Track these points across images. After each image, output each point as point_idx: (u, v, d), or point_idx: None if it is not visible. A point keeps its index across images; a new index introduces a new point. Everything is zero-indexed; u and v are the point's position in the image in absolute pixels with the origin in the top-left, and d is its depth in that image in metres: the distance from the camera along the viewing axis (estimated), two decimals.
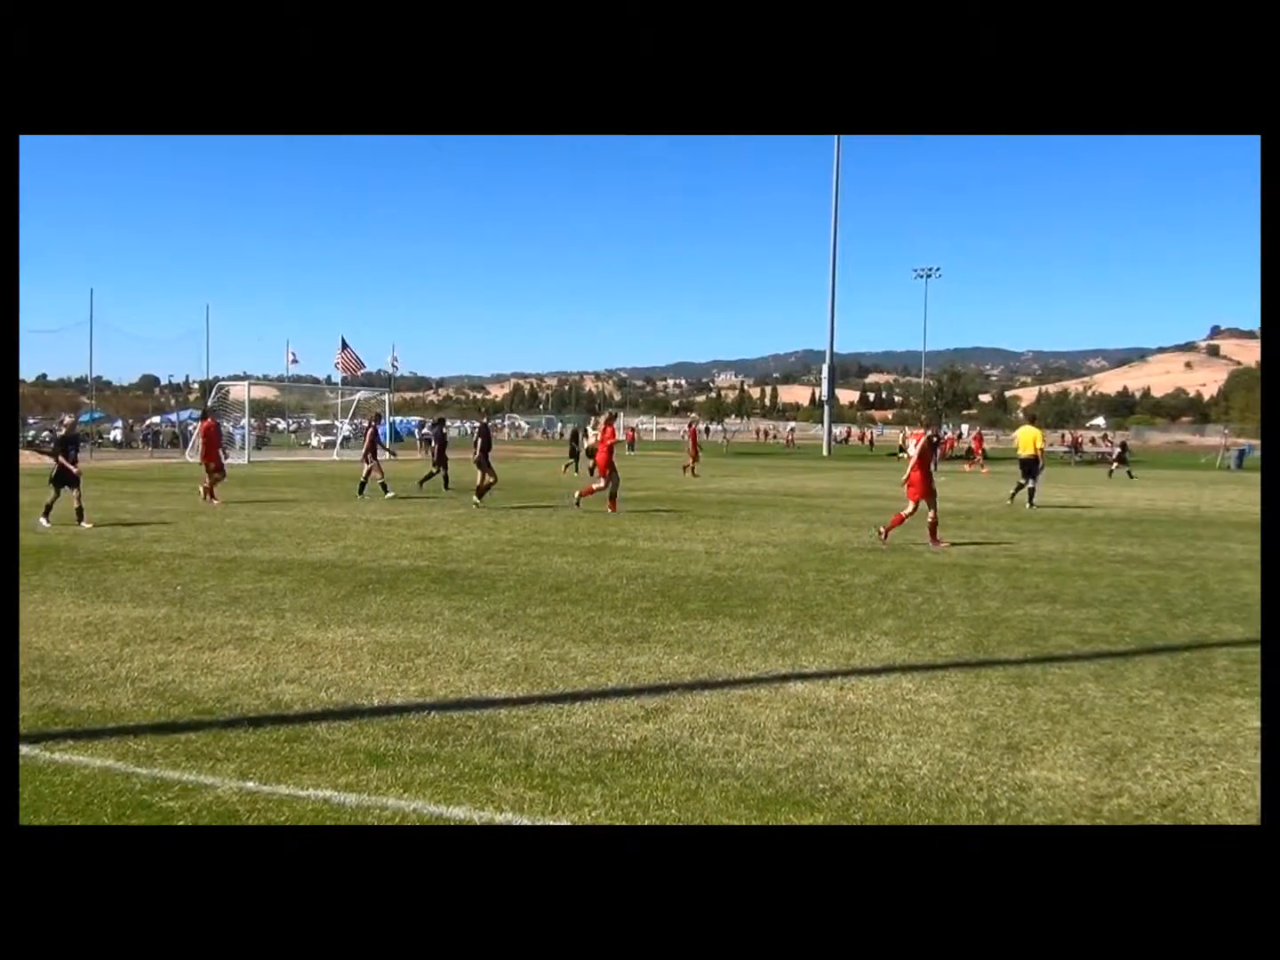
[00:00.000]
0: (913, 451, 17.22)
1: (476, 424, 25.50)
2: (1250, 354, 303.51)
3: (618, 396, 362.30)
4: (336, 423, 63.36)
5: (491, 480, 23.97)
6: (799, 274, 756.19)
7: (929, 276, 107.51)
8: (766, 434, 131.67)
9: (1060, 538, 18.58)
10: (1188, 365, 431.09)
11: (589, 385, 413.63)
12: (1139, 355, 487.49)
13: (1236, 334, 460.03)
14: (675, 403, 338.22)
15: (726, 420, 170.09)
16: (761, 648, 9.08)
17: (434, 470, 27.61)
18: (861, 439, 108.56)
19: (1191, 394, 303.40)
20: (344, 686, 7.57)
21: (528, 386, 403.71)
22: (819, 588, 12.43)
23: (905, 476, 17.08)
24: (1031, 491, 25.64)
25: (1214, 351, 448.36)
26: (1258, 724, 6.92)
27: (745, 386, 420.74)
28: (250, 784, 5.48)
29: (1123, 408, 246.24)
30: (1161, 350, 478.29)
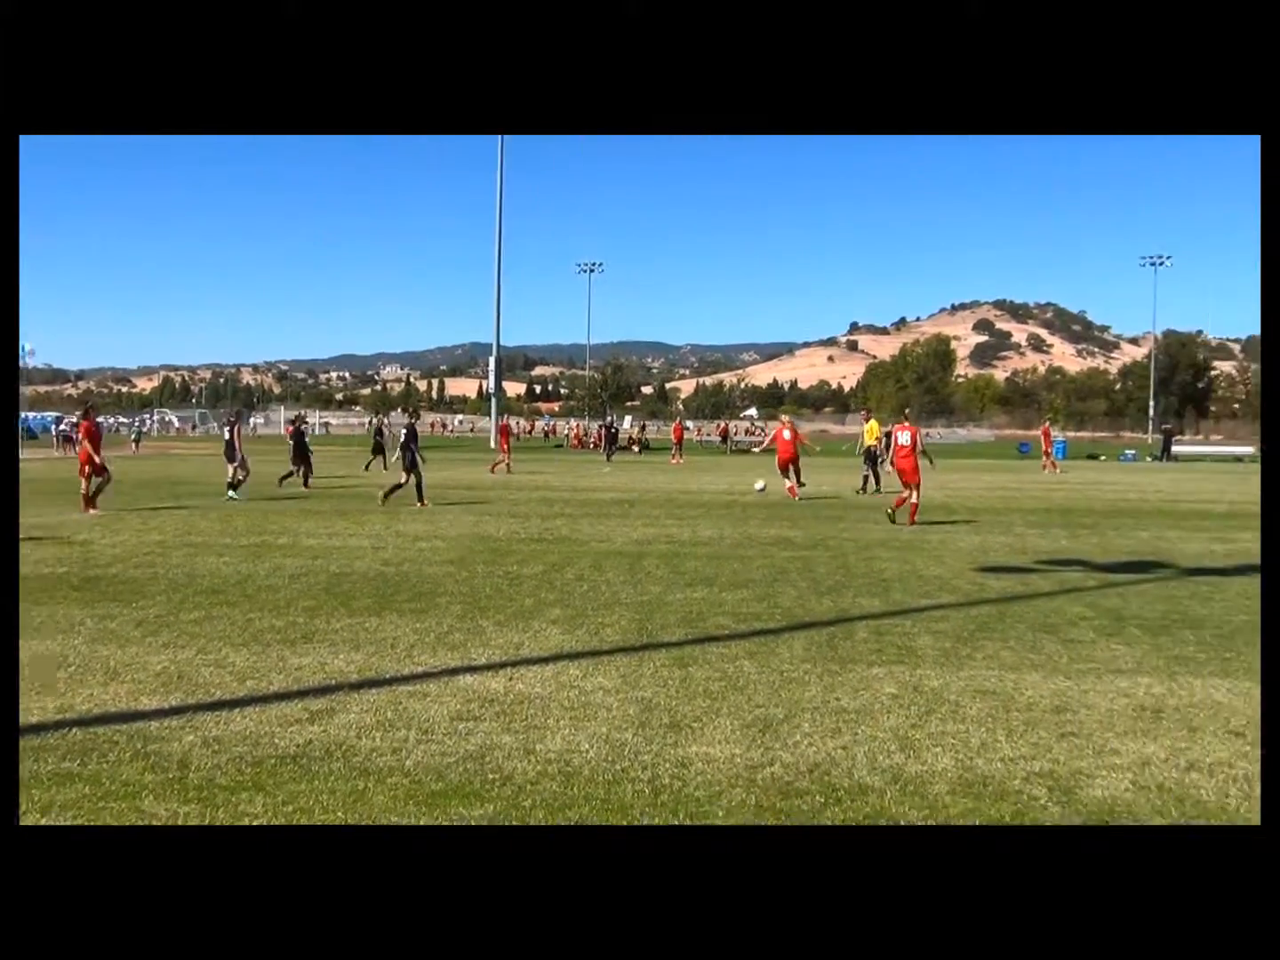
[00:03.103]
0: (905, 440, 19.55)
1: (404, 424, 24.13)
2: (884, 349, 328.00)
3: (278, 390, 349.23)
4: None
5: (402, 483, 22.73)
6: (465, 267, 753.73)
7: (592, 271, 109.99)
8: (441, 426, 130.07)
9: (718, 523, 19.47)
10: (830, 359, 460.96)
11: (246, 378, 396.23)
12: (787, 349, 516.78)
13: (873, 330, 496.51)
14: (340, 396, 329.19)
15: (392, 414, 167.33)
16: (430, 642, 9.01)
17: (292, 470, 27.31)
18: (530, 431, 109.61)
19: (834, 385, 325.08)
20: None
21: (179, 379, 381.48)
22: (488, 580, 12.46)
23: (889, 459, 20.08)
24: (878, 479, 27.62)
25: (853, 346, 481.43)
26: (893, 690, 7.53)
27: (412, 379, 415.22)
28: None
29: (773, 399, 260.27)
30: (807, 345, 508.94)
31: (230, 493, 23.68)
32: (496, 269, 69.02)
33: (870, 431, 28.59)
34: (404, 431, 23.52)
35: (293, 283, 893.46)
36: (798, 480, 25.46)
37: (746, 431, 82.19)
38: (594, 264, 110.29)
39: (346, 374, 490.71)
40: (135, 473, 32.77)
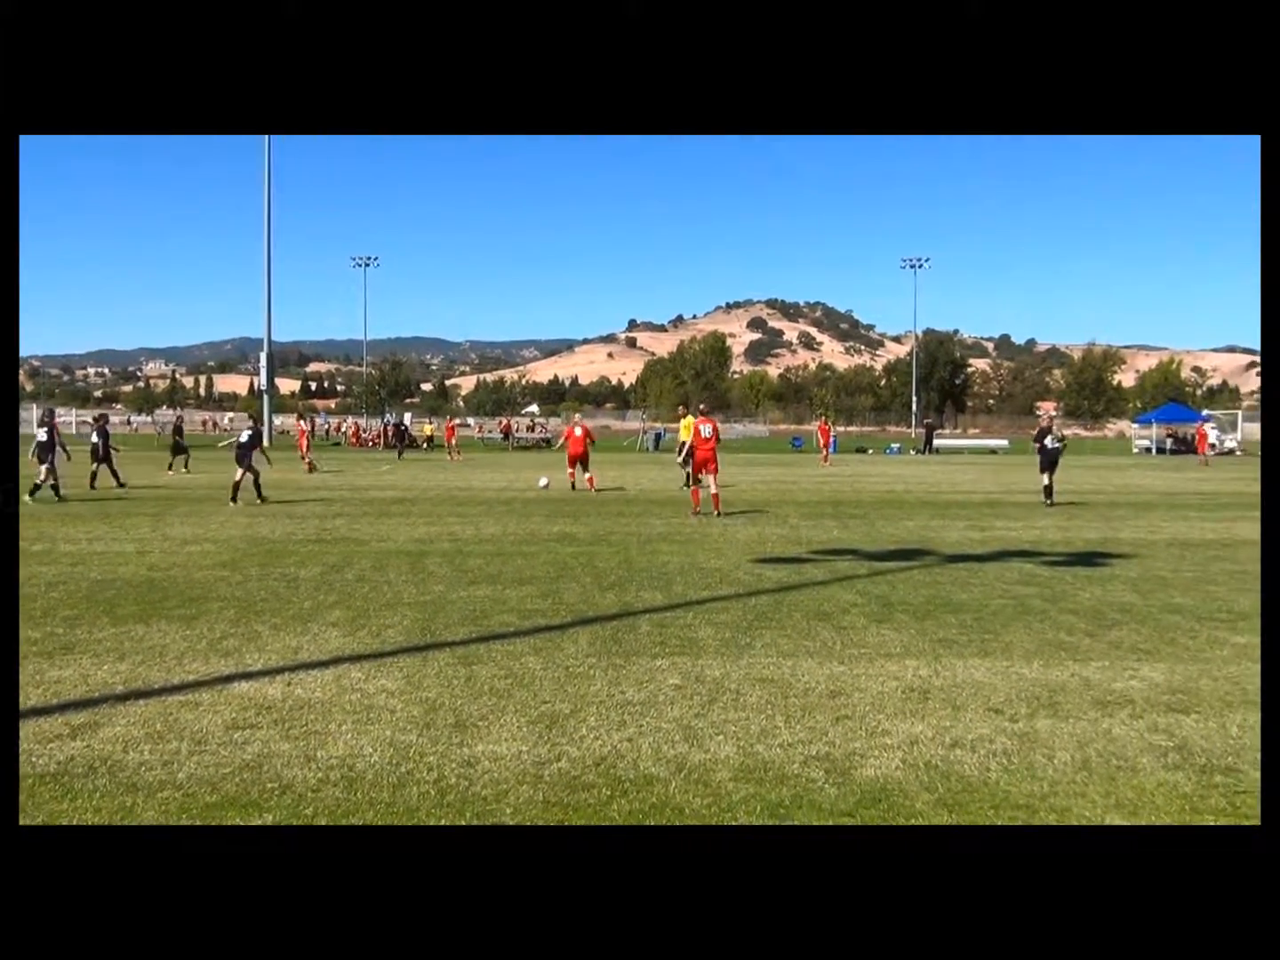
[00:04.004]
0: (707, 432, 20.52)
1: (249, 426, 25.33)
2: (662, 345, 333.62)
3: (30, 387, 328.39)
4: None
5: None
6: (233, 260, 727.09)
7: (367, 265, 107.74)
8: (213, 425, 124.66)
9: (501, 520, 19.39)
10: (610, 355, 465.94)
11: None
12: (567, 346, 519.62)
13: (651, 327, 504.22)
14: (98, 393, 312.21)
15: (157, 411, 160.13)
16: (202, 649, 8.64)
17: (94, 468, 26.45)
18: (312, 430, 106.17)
19: (614, 382, 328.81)
20: None
21: None
22: (263, 583, 12.04)
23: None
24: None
25: (632, 343, 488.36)
26: (676, 680, 7.66)
27: (178, 375, 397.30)
28: None
29: (555, 395, 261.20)
30: (587, 341, 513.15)
31: (28, 497, 22.01)
32: (266, 262, 66.74)
33: (685, 428, 29.03)
34: (247, 433, 24.47)
35: (43, 275, 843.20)
36: (584, 473, 27.03)
37: (529, 428, 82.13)
38: (369, 258, 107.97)
39: (106, 370, 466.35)
40: None
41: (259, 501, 22.76)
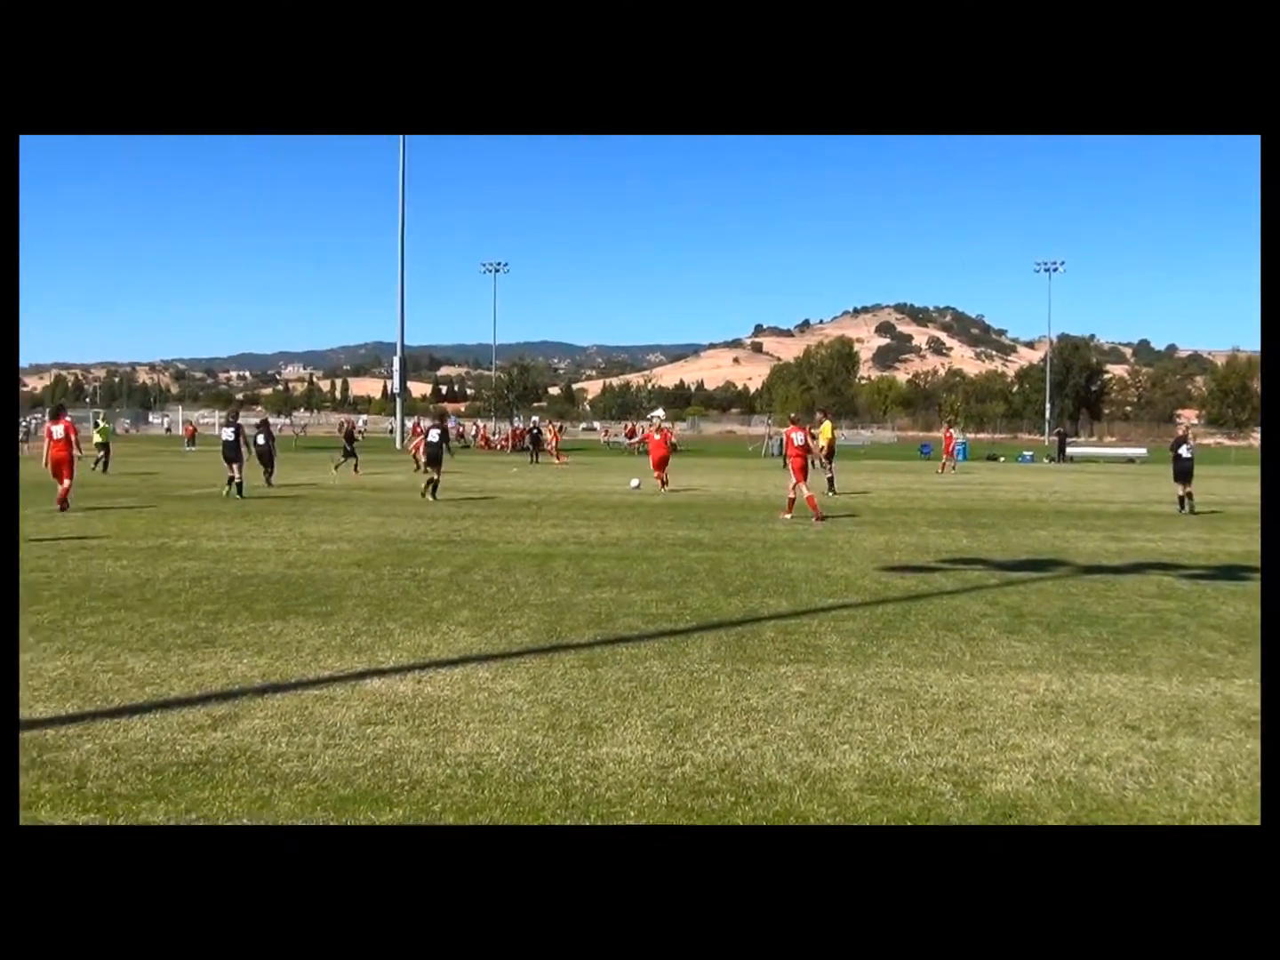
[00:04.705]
0: (799, 440, 20.77)
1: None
2: (788, 351, 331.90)
3: (175, 389, 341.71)
4: None
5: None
6: (369, 265, 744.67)
7: (497, 271, 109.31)
8: (349, 427, 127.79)
9: (626, 524, 19.49)
10: (735, 360, 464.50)
11: (142, 377, 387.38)
12: (693, 350, 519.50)
13: (777, 332, 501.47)
14: (240, 396, 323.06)
15: (295, 414, 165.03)
16: (336, 645, 8.88)
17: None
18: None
19: (739, 387, 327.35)
20: None
21: (72, 378, 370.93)
22: (395, 582, 12.32)
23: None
24: (831, 480, 28.18)
25: (758, 348, 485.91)
26: (801, 688, 7.61)
27: (314, 379, 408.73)
28: None
29: (680, 399, 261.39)
30: (713, 346, 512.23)
31: (231, 488, 24.64)
32: (400, 268, 68.24)
33: (824, 433, 29.07)
34: (436, 432, 25.90)
35: (191, 279, 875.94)
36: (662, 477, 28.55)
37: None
38: (499, 264, 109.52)
39: (247, 373, 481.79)
40: (24, 474, 31.71)
41: (431, 499, 24.26)
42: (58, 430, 21.31)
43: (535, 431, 54.51)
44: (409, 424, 61.80)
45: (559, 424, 60.38)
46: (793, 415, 23.29)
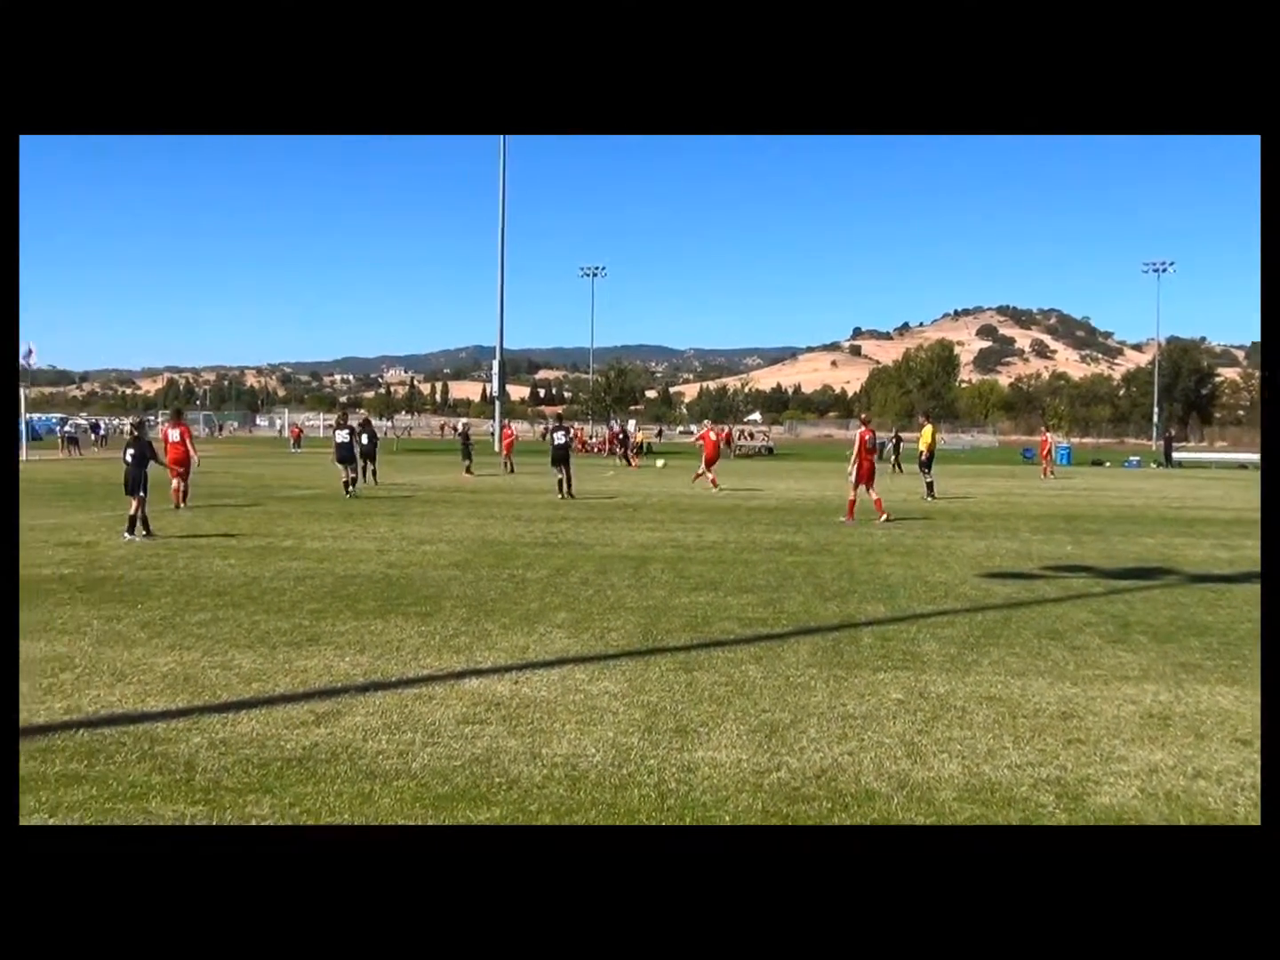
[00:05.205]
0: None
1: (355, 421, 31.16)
2: (887, 354, 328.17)
3: (282, 392, 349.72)
4: None
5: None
6: (469, 270, 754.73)
7: (595, 275, 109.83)
8: (453, 430, 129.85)
9: (722, 528, 19.45)
10: (833, 364, 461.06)
11: (250, 380, 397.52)
12: (790, 354, 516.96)
13: (875, 335, 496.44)
14: (343, 398, 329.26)
15: (397, 417, 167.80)
16: (435, 645, 9.00)
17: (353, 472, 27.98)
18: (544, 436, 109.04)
19: (837, 390, 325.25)
20: None
21: (183, 381, 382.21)
22: (493, 583, 12.45)
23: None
24: (931, 485, 28.28)
25: (856, 351, 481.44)
26: (899, 695, 7.51)
27: (415, 382, 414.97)
28: None
29: (777, 403, 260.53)
30: (810, 349, 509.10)
31: (355, 488, 26.10)
32: (500, 272, 69.11)
33: (925, 436, 28.85)
34: (562, 435, 27.50)
35: (296, 284, 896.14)
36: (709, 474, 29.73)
37: (750, 435, 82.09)
38: (597, 268, 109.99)
39: (350, 376, 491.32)
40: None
41: (565, 496, 25.80)
42: (174, 434, 22.07)
43: (624, 435, 54.64)
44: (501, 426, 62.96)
45: (636, 427, 61.09)
46: (863, 416, 23.28)
